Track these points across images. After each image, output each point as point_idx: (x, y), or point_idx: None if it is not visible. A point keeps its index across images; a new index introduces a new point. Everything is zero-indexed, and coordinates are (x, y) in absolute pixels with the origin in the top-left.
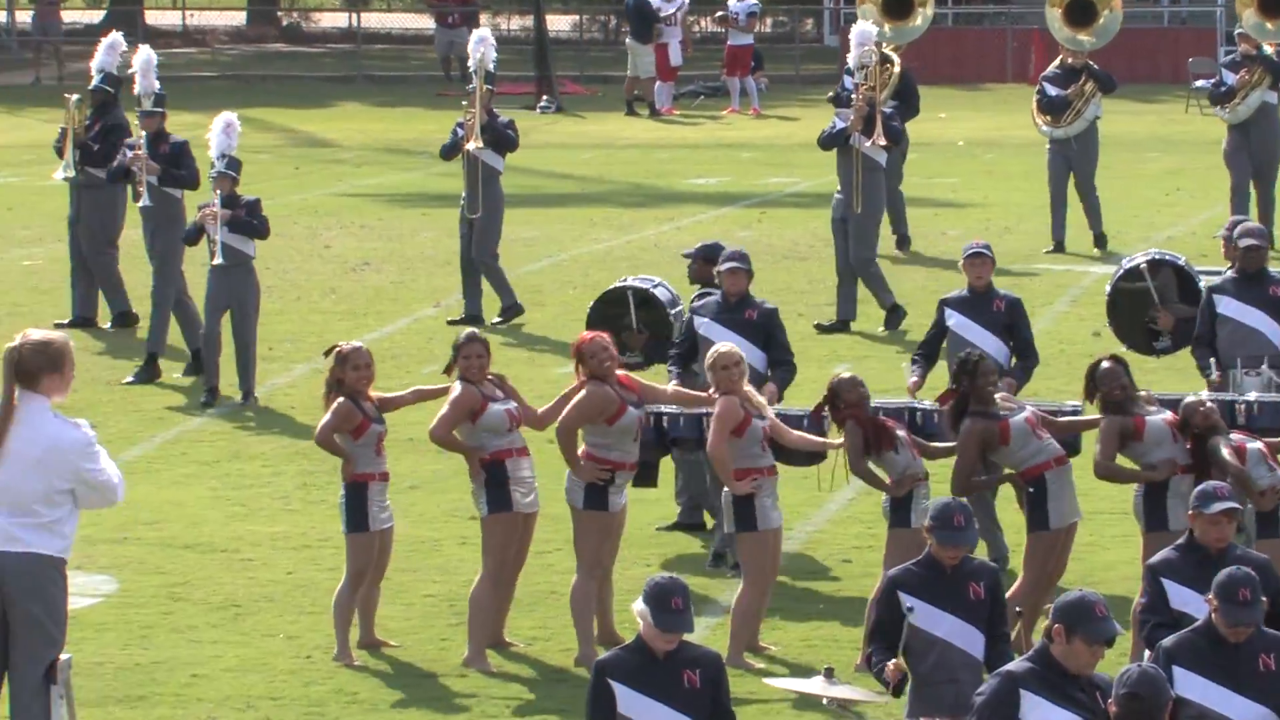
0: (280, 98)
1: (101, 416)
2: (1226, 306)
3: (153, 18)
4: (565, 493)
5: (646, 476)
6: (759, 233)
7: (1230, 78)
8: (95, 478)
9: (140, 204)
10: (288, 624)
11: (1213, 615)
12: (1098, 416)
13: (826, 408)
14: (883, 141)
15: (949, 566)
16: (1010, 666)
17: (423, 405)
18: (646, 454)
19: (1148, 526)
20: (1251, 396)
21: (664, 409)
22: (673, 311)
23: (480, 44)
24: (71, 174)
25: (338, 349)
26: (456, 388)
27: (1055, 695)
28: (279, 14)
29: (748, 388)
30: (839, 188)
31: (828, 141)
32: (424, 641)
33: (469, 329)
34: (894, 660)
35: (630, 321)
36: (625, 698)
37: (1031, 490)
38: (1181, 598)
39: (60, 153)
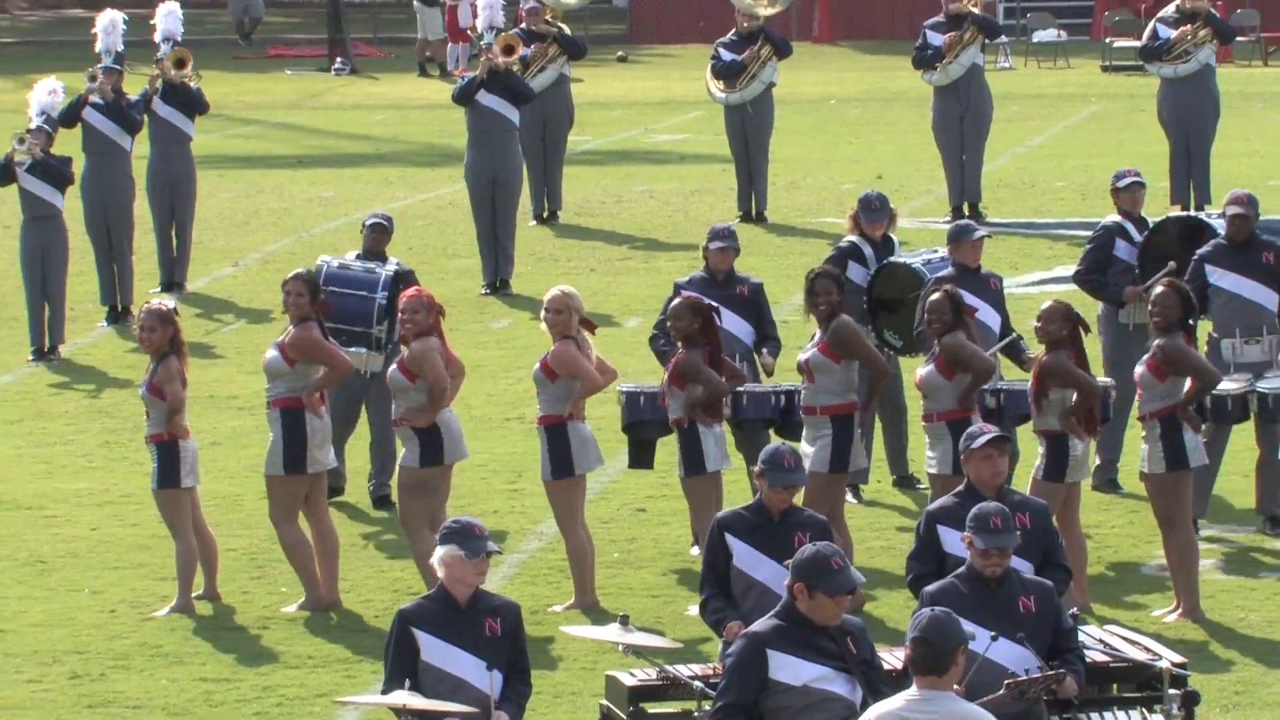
0: (80, 63)
1: None
2: (1220, 278)
3: None
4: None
5: (642, 458)
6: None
7: (937, 39)
8: None
9: None
10: (92, 579)
11: (971, 555)
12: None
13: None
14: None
15: (777, 513)
16: (755, 626)
17: (222, 364)
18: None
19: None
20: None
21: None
22: None
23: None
24: None
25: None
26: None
27: (803, 650)
28: None
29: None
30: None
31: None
32: (226, 595)
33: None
34: (736, 620)
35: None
36: (429, 646)
37: None
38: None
39: None
